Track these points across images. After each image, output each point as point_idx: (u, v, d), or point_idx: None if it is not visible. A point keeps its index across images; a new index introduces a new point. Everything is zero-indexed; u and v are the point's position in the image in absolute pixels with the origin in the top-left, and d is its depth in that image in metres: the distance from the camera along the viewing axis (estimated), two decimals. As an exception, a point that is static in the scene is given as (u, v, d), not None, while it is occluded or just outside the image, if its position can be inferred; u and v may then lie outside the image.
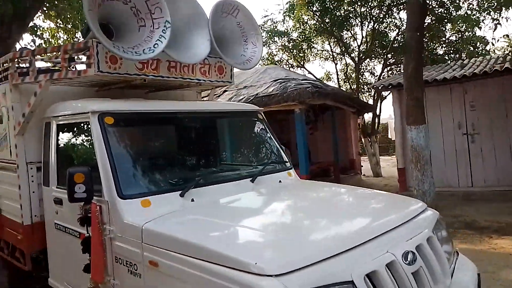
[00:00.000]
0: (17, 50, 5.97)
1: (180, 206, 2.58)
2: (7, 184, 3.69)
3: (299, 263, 1.78)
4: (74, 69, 3.16)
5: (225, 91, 10.96)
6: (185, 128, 3.30)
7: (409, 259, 2.08)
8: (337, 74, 16.14)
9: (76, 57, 3.18)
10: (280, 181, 3.29)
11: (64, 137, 3.13)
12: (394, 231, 2.23)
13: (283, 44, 15.38)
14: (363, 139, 14.33)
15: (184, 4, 3.47)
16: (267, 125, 3.77)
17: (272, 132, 3.77)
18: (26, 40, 26.29)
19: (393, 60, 14.76)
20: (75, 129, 3.07)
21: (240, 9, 3.77)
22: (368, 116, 15.42)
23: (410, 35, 6.99)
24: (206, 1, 3.78)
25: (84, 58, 3.14)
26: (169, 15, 3.07)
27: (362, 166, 13.93)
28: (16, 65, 3.44)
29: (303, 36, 14.43)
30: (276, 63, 15.90)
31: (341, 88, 16.03)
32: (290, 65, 16.39)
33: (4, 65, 3.55)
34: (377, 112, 14.14)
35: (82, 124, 2.93)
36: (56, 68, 3.54)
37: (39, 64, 3.57)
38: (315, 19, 13.69)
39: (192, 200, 2.64)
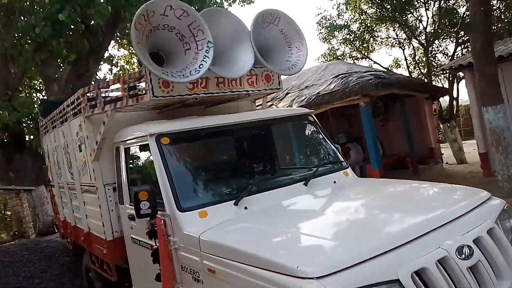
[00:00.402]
0: (95, 82, 6.57)
1: (234, 215, 2.72)
2: (91, 205, 4.16)
3: (341, 264, 1.82)
4: (134, 96, 3.48)
5: (287, 93, 11.06)
6: (235, 139, 3.46)
7: (464, 254, 2.00)
8: (406, 60, 15.36)
9: (136, 85, 3.50)
10: (334, 182, 3.30)
11: (131, 159, 3.45)
12: (448, 225, 2.15)
13: (343, 37, 15.03)
14: (441, 125, 13.44)
15: (226, 21, 3.64)
16: (319, 127, 3.79)
17: (325, 133, 3.78)
18: (104, 69, 28.71)
19: (467, 37, 13.69)
20: (139, 150, 3.38)
21: (280, 17, 3.85)
22: (445, 100, 14.45)
23: (474, 10, 6.48)
24: (250, 11, 3.92)
25: (142, 85, 3.46)
26: (210, 36, 3.24)
27: (443, 154, 13.06)
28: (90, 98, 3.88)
29: (364, 26, 13.99)
30: (339, 57, 15.58)
31: (412, 74, 15.25)
32: (354, 58, 15.98)
33: (77, 100, 4.02)
34: (454, 95, 13.19)
35: (143, 146, 3.21)
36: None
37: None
38: (374, 7, 13.21)
39: (245, 208, 2.77)
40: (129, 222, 3.49)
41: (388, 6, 12.62)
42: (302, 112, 3.85)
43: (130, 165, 3.48)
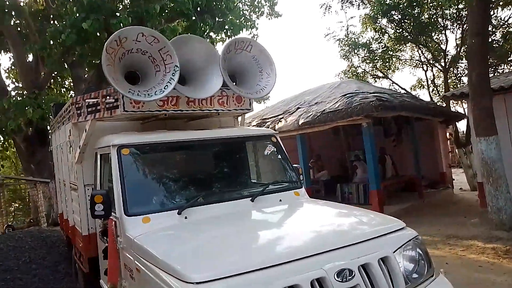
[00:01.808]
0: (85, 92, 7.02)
1: (174, 223, 3.06)
2: (75, 202, 4.62)
3: (221, 274, 2.11)
4: (109, 109, 3.90)
5: (298, 107, 11.32)
6: (192, 155, 3.80)
7: (342, 277, 2.24)
8: (427, 82, 15.27)
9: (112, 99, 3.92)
10: (280, 200, 3.57)
11: (103, 165, 3.86)
12: (339, 250, 2.39)
13: (365, 56, 15.13)
14: (456, 150, 13.27)
15: (200, 47, 4.01)
16: (281, 148, 4.06)
17: (285, 155, 4.05)
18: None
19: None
20: (107, 158, 3.79)
21: (253, 45, 4.17)
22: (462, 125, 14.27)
23: (472, 40, 6.55)
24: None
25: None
26: (177, 60, 3.61)
27: (454, 179, 12.88)
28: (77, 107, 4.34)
29: (383, 46, 14.05)
30: (360, 75, 15.67)
31: (433, 97, 15.13)
32: (375, 77, 16.02)
33: (69, 107, 4.50)
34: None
35: (109, 155, 3.62)
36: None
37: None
38: (393, 27, 13.27)
39: (186, 217, 3.11)
40: (98, 221, 3.89)
41: (408, 27, 12.65)
42: (265, 133, 4.15)
43: (102, 171, 3.88)
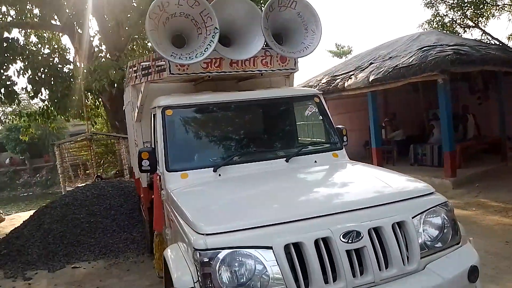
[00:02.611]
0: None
1: (209, 179, 3.28)
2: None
3: (229, 227, 2.28)
4: (159, 72, 4.15)
5: (371, 63, 10.77)
6: (234, 115, 3.91)
7: (348, 238, 2.28)
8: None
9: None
10: (315, 161, 3.60)
11: (155, 124, 4.19)
12: (348, 213, 2.41)
13: (453, 2, 13.64)
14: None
15: (241, 7, 4.01)
16: (323, 108, 4.02)
17: (328, 115, 4.01)
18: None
19: None
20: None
21: (297, 0, 4.07)
22: None
23: None
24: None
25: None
26: (217, 22, 3.68)
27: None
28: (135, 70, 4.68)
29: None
30: (446, 25, 14.26)
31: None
32: (465, 26, 14.46)
33: (129, 70, 4.88)
34: None
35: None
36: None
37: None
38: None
39: (219, 175, 3.31)
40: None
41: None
42: (308, 93, 4.12)
43: (155, 129, 4.22)
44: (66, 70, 12.42)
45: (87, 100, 13.05)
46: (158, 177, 3.54)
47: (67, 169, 11.71)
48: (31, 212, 8.07)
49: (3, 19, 12.23)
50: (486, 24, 14.35)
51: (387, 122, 11.99)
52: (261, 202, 2.70)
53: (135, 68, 4.58)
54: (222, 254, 2.18)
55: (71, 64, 12.86)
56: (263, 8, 3.94)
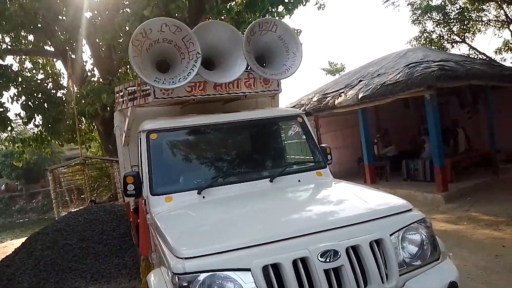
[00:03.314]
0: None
1: (193, 202, 3.31)
2: (126, 181, 5.12)
3: (208, 251, 2.30)
4: (144, 97, 4.22)
5: (360, 80, 10.91)
6: (218, 137, 3.96)
7: (326, 257, 2.30)
8: (513, 44, 13.68)
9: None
10: (299, 181, 3.63)
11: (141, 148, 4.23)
12: (325, 232, 2.44)
13: (440, 19, 13.94)
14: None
15: (223, 32, 4.12)
16: (307, 128, 4.08)
17: (311, 134, 4.07)
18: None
19: None
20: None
21: (277, 24, 4.18)
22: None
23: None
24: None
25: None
26: (199, 47, 3.77)
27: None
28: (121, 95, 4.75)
29: (458, 8, 12.81)
30: (434, 41, 14.52)
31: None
32: (452, 41, 14.74)
33: (116, 95, 4.94)
34: None
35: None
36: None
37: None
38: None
39: (203, 197, 3.34)
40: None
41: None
42: (291, 114, 4.19)
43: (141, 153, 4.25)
44: (59, 95, 12.52)
45: (81, 125, 13.11)
46: (143, 201, 3.56)
47: (63, 194, 11.67)
48: (24, 239, 8.01)
49: (-2, 46, 12.39)
50: (473, 39, 14.65)
51: (378, 138, 12.07)
52: (241, 224, 2.72)
53: (122, 93, 4.65)
54: (201, 277, 2.19)
55: (64, 89, 12.97)
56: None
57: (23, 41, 12.71)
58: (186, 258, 2.27)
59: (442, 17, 13.64)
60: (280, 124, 4.26)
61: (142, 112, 4.49)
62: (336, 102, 10.68)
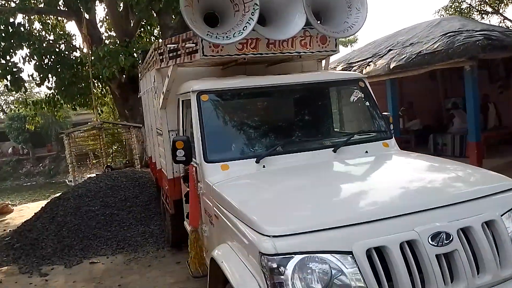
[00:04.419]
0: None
1: (252, 171, 2.96)
2: (161, 146, 4.78)
3: (299, 229, 1.97)
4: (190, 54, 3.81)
5: (390, 50, 10.37)
6: (273, 101, 3.60)
7: (437, 240, 1.97)
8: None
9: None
10: (366, 152, 3.27)
11: (184, 111, 3.86)
12: (433, 210, 2.10)
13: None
14: None
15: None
16: (370, 94, 3.69)
17: (374, 101, 3.68)
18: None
19: None
20: (188, 104, 3.76)
21: (340, -24, 3.72)
22: None
23: None
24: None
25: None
26: (257, -2, 3.34)
27: None
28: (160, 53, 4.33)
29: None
30: (464, 11, 13.81)
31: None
32: (483, 12, 14.02)
33: (152, 53, 4.52)
34: None
35: (189, 101, 3.57)
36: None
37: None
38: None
39: (264, 166, 2.99)
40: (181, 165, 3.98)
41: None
42: (352, 77, 3.78)
43: (184, 116, 3.89)
44: (73, 57, 12.04)
45: (95, 89, 12.70)
46: (194, 168, 3.22)
47: (80, 159, 11.38)
48: (40, 203, 7.79)
49: (7, 4, 11.82)
50: (505, 10, 13.94)
51: (404, 110, 11.65)
52: (327, 199, 2.37)
53: (161, 51, 4.23)
54: (295, 260, 1.87)
55: (78, 51, 12.48)
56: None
57: (33, 0, 12.11)
58: (275, 237, 1.94)
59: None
60: (341, 88, 3.85)
61: (183, 72, 4.09)
62: (364, 72, 10.16)
